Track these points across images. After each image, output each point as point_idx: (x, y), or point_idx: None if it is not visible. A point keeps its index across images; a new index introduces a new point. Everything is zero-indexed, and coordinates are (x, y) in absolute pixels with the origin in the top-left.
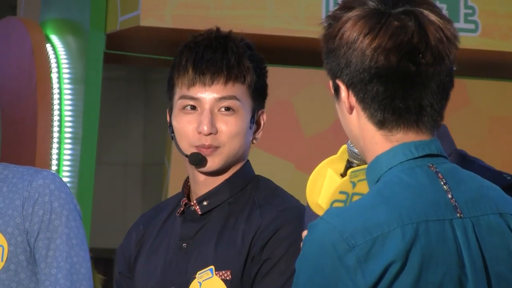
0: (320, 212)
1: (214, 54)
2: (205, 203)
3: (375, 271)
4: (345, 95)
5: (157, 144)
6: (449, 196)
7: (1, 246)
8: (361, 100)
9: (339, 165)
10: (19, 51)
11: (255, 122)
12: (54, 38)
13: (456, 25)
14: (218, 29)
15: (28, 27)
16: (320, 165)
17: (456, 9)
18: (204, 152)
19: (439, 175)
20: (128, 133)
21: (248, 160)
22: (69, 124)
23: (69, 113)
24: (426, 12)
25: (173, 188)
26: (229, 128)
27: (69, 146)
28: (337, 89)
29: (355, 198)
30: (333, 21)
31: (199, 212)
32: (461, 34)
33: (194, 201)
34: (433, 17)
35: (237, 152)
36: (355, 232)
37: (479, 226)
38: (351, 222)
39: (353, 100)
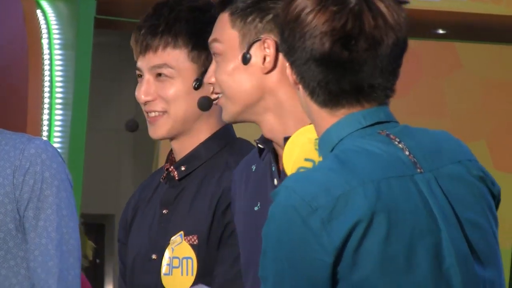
0: None
1: (149, 22)
2: (182, 168)
3: (341, 231)
4: (289, 71)
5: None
6: (406, 153)
7: None
8: (301, 79)
9: (312, 133)
10: (9, 17)
11: (202, 82)
12: (44, 4)
13: None
14: None
15: None
16: (295, 133)
17: None
18: (148, 119)
19: (391, 136)
20: (120, 99)
21: (228, 124)
22: (60, 90)
23: (60, 78)
24: None
25: (164, 153)
26: (164, 94)
27: (60, 112)
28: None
29: None
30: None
31: (176, 178)
32: None
33: (172, 167)
34: (380, 3)
35: (185, 116)
36: (316, 195)
37: (441, 178)
38: (311, 185)
39: (295, 77)
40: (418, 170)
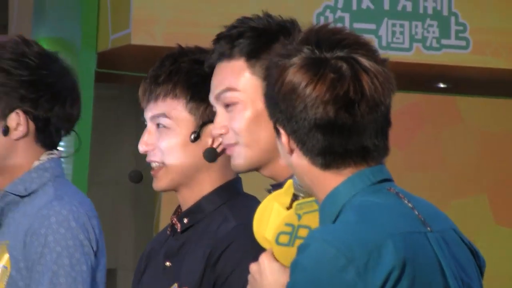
0: (266, 245)
1: (153, 72)
2: (185, 220)
3: (376, 281)
4: (285, 140)
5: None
6: (416, 212)
7: (5, 267)
8: (302, 146)
9: (285, 199)
10: None
11: (199, 135)
12: None
13: (448, 41)
14: (179, 47)
15: None
16: (266, 199)
17: (447, 26)
18: (151, 171)
19: (400, 195)
20: (120, 151)
21: (237, 177)
22: (61, 143)
23: None
24: (361, 59)
25: (165, 205)
26: (161, 144)
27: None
28: (277, 131)
29: (301, 230)
30: (273, 68)
31: (179, 230)
32: (452, 51)
33: (175, 219)
34: (367, 63)
35: (182, 168)
36: (351, 246)
37: (445, 240)
38: (345, 237)
39: (293, 145)
40: (428, 229)
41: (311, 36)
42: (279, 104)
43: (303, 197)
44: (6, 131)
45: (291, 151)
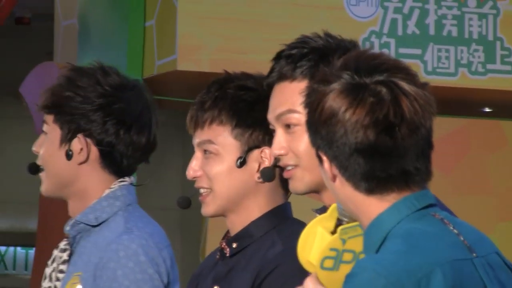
0: (311, 269)
1: (199, 98)
2: (234, 245)
3: None
4: (327, 166)
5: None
6: (461, 238)
7: None
8: (344, 172)
9: (329, 223)
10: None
11: (245, 160)
12: None
13: (493, 66)
14: (225, 72)
15: None
16: (310, 223)
17: (492, 51)
18: (199, 197)
19: (445, 221)
20: (166, 177)
21: (286, 202)
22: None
23: None
24: (400, 83)
25: (212, 232)
26: (208, 171)
27: None
28: (319, 157)
29: (346, 255)
30: (313, 94)
31: (228, 254)
32: (497, 75)
33: (224, 244)
34: (407, 87)
35: (228, 194)
36: (400, 276)
37: (490, 264)
38: (394, 267)
39: (335, 171)
40: (474, 255)
41: (350, 61)
42: (320, 131)
43: (347, 222)
44: (70, 155)
45: (334, 178)
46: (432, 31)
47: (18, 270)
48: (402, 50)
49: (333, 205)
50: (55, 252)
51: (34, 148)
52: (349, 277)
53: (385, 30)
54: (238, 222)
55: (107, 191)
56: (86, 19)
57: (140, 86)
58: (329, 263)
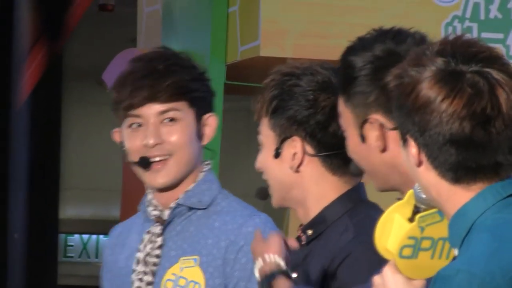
0: (388, 256)
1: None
2: (309, 232)
3: None
4: (415, 151)
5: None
6: None
7: (198, 283)
8: (433, 160)
9: (406, 209)
10: None
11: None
12: None
13: None
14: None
15: None
16: (388, 210)
17: None
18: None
19: None
20: (250, 164)
21: (359, 184)
22: None
23: None
24: (497, 74)
25: (294, 218)
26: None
27: None
28: (405, 141)
29: (424, 242)
30: (405, 77)
31: (303, 242)
32: None
33: (300, 231)
34: (503, 78)
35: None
36: (494, 275)
37: None
38: (487, 267)
39: (423, 157)
40: None
41: (447, 47)
42: (412, 116)
43: (424, 209)
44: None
45: (420, 163)
46: None
47: (100, 258)
48: (484, 35)
49: (410, 191)
50: (147, 237)
51: None
52: (442, 279)
53: (468, 14)
54: (313, 208)
55: (201, 175)
56: (170, 5)
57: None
58: (407, 252)
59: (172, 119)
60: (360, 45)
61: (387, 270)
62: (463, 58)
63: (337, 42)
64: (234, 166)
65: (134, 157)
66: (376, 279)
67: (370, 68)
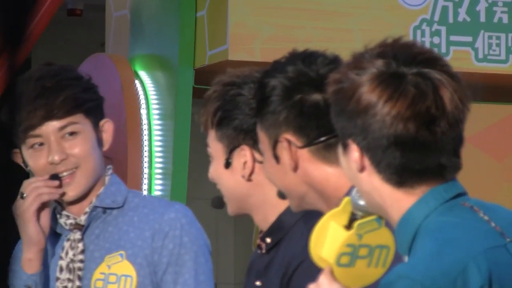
0: (323, 265)
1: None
2: (268, 240)
3: None
4: (358, 156)
5: None
6: (493, 224)
7: (130, 276)
8: (377, 164)
9: (342, 217)
10: (108, 87)
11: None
12: (142, 74)
13: None
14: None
15: (117, 63)
16: (323, 218)
17: None
18: None
19: (475, 208)
20: None
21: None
22: (159, 160)
23: (159, 148)
24: (439, 74)
25: None
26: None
27: (160, 182)
28: (346, 146)
29: (362, 250)
30: (345, 82)
31: (263, 251)
32: None
33: (259, 240)
34: (446, 79)
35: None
36: (435, 279)
37: None
38: (427, 271)
39: (366, 162)
40: (508, 240)
41: (387, 49)
42: (354, 120)
43: (361, 216)
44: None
45: (362, 169)
46: (483, 18)
47: None
48: (453, 38)
49: (346, 199)
50: (67, 244)
51: None
52: (384, 286)
53: (436, 17)
54: (270, 215)
55: (107, 179)
56: (138, 10)
57: None
58: (345, 259)
59: (72, 133)
60: (274, 68)
61: (323, 279)
62: (404, 60)
63: (306, 46)
64: (203, 168)
65: (42, 175)
66: (311, 287)
67: (280, 88)
